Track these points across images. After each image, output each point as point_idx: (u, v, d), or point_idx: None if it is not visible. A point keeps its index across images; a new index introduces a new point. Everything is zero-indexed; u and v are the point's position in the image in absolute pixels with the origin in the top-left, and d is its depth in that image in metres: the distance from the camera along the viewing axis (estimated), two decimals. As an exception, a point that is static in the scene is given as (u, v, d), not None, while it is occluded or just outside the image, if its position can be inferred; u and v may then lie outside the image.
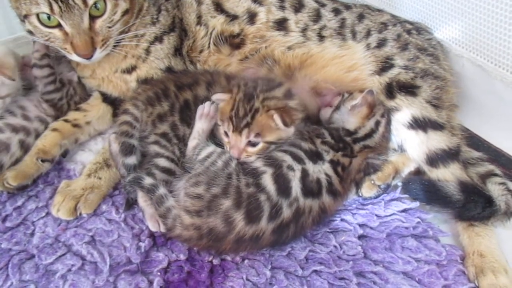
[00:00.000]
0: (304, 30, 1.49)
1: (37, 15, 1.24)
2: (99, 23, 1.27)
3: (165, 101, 1.29)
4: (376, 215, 1.24)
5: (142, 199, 1.21)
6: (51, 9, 1.20)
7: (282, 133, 1.18)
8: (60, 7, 1.20)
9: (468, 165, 1.37)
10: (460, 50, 1.49)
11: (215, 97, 1.22)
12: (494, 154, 1.45)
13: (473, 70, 1.46)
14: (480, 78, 1.45)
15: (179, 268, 1.11)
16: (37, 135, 1.36)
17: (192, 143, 1.24)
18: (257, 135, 1.15)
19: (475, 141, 1.50)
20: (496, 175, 1.32)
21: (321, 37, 1.49)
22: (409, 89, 1.36)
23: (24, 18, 1.27)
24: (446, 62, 1.49)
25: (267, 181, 1.08)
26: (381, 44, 1.45)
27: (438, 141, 1.31)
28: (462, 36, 1.47)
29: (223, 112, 1.19)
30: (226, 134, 1.20)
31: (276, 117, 1.12)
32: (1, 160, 1.26)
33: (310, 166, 1.15)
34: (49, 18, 1.23)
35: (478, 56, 1.43)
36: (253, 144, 1.17)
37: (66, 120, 1.43)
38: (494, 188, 1.25)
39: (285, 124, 1.14)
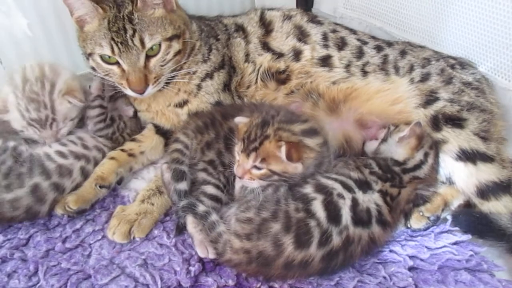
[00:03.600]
0: (347, 66, 1.56)
1: (100, 55, 1.37)
2: (153, 62, 1.38)
3: (212, 129, 1.37)
4: (426, 247, 1.21)
5: (191, 226, 1.25)
6: (112, 51, 1.33)
7: (288, 167, 1.16)
8: (119, 48, 1.32)
9: (520, 199, 1.34)
10: (507, 83, 1.49)
11: (236, 119, 1.26)
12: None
13: (521, 103, 1.46)
14: (528, 111, 1.44)
15: (228, 292, 1.12)
16: (96, 163, 1.45)
17: (238, 184, 1.29)
18: (263, 160, 1.15)
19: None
20: (552, 209, 1.28)
21: (364, 73, 1.54)
22: (456, 121, 1.36)
23: (89, 56, 1.41)
24: (492, 96, 1.49)
25: (317, 207, 1.10)
26: (424, 78, 1.48)
27: (488, 173, 1.29)
28: (507, 69, 1.48)
29: (240, 133, 1.23)
30: (238, 153, 1.22)
31: (283, 148, 1.11)
32: (64, 184, 1.35)
33: (360, 195, 1.16)
34: (109, 57, 1.36)
35: (525, 89, 1.43)
36: (259, 168, 1.16)
37: (122, 150, 1.53)
38: (550, 221, 1.20)
39: (289, 159, 1.12)
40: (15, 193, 1.27)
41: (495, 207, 1.26)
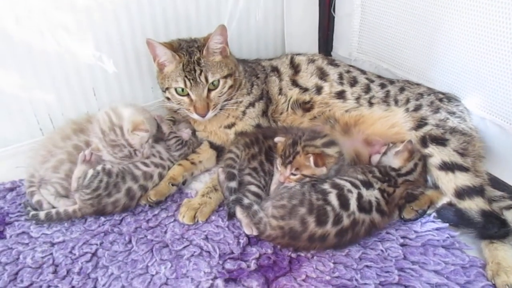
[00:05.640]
0: (357, 99, 2.02)
1: (175, 88, 1.88)
2: (213, 93, 1.89)
3: (256, 145, 1.84)
4: (414, 230, 1.62)
5: (239, 212, 1.69)
6: (185, 84, 1.85)
7: (316, 171, 1.63)
8: (191, 83, 1.84)
9: (492, 201, 1.72)
10: (483, 113, 1.91)
11: (276, 139, 1.74)
12: (516, 194, 1.79)
13: (494, 129, 1.87)
14: (500, 135, 1.85)
15: (268, 257, 1.54)
16: (168, 169, 1.93)
17: (273, 186, 1.76)
18: (296, 169, 1.63)
19: (501, 185, 1.85)
20: (514, 207, 1.67)
21: (370, 104, 2.00)
22: (439, 141, 1.78)
23: (166, 89, 1.93)
24: (472, 123, 1.91)
25: (332, 197, 1.53)
26: (417, 108, 1.92)
27: (463, 180, 1.68)
28: (484, 103, 1.89)
29: (278, 150, 1.71)
30: (279, 165, 1.70)
31: (311, 159, 1.59)
32: (147, 185, 1.83)
33: (364, 191, 1.59)
34: (182, 90, 1.87)
35: (497, 118, 1.84)
36: (294, 174, 1.64)
37: (187, 159, 2.01)
38: (509, 215, 1.60)
39: (316, 165, 1.59)
40: (115, 197, 1.72)
41: (469, 205, 1.63)
